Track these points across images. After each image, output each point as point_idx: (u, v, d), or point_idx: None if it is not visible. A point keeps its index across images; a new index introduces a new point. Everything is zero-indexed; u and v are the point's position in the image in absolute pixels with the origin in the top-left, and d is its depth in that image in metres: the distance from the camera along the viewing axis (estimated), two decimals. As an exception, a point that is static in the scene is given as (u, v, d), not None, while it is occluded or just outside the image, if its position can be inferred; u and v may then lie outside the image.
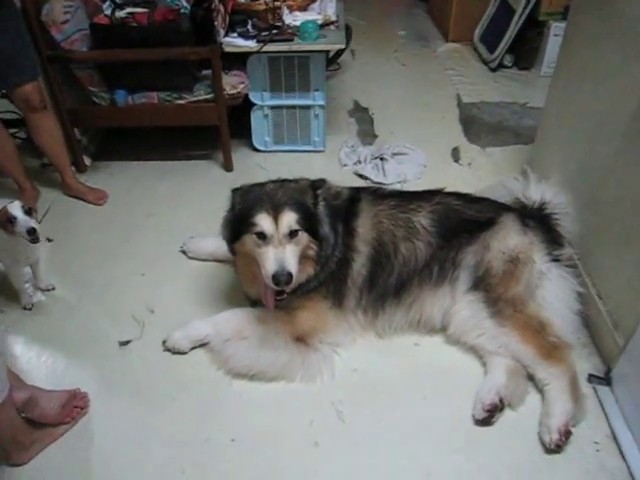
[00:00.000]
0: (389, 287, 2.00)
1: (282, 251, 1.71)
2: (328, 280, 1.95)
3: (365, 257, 1.98)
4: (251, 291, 2.07)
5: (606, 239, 1.95)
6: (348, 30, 3.61)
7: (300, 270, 1.80)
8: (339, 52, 3.72)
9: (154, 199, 2.81)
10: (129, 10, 2.56)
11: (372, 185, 2.28)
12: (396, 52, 4.24)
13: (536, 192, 2.16)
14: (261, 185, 1.89)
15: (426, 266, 1.99)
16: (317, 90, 2.89)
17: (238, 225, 1.81)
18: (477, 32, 4.21)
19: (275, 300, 1.82)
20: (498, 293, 1.89)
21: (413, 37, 4.52)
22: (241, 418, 1.79)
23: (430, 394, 1.84)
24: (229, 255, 2.01)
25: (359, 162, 2.97)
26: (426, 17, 4.93)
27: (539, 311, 1.86)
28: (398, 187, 2.78)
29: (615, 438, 1.69)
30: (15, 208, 1.91)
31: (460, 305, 1.96)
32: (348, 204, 2.02)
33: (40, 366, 1.99)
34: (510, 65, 3.95)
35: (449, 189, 2.18)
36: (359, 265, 1.98)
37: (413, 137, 3.17)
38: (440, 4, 4.60)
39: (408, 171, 2.89)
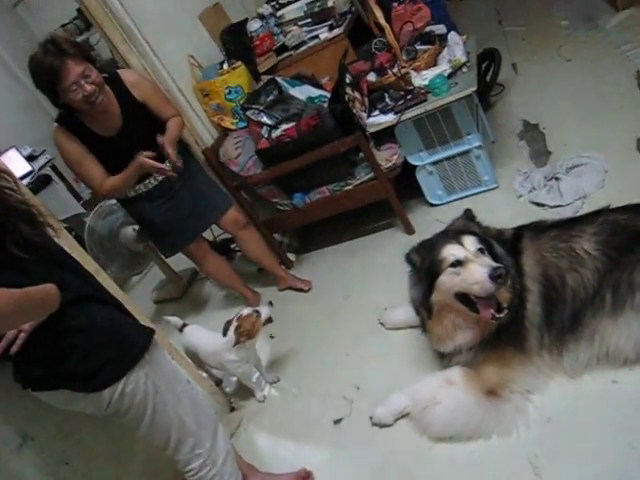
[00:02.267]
0: (565, 322, 1.92)
1: (482, 259, 1.82)
2: (507, 325, 1.93)
3: (536, 295, 1.94)
4: (446, 345, 2.11)
5: None
6: (493, 55, 3.55)
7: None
8: (494, 76, 3.65)
9: (350, 278, 3.10)
10: (282, 128, 2.94)
11: (533, 221, 2.21)
12: (560, 47, 3.94)
13: None
14: (428, 239, 2.06)
15: (597, 294, 1.87)
16: (469, 134, 2.91)
17: (427, 275, 1.96)
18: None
19: (494, 318, 1.85)
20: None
21: (578, 22, 4.13)
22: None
23: (638, 441, 1.69)
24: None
25: (533, 189, 2.86)
26: (590, -8, 4.48)
27: None
28: (579, 205, 2.62)
29: None
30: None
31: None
32: (511, 244, 2.02)
33: (271, 452, 2.36)
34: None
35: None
36: (532, 304, 1.94)
37: (589, 141, 2.92)
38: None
39: (587, 183, 2.69)
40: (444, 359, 2.16)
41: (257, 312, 2.45)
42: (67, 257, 1.59)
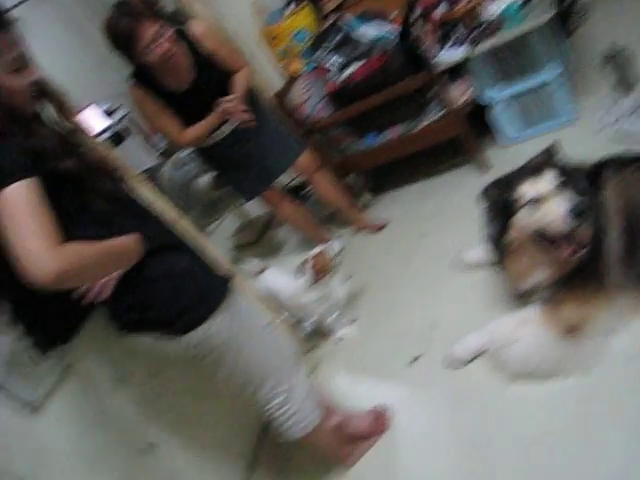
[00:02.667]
0: None
1: (562, 195, 1.77)
2: (587, 262, 1.86)
3: (618, 230, 1.85)
4: (523, 283, 2.09)
5: None
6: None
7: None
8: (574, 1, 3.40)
9: (425, 218, 3.08)
10: (350, 69, 2.89)
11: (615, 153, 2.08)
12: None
13: None
14: (505, 175, 2.01)
15: None
16: (550, 62, 2.75)
17: (504, 212, 1.93)
18: None
19: (574, 255, 1.81)
20: None
21: None
22: (518, 420, 1.89)
23: None
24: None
25: (618, 120, 2.69)
26: None
27: None
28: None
29: None
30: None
31: None
32: (591, 179, 1.93)
33: (348, 391, 2.43)
34: None
35: None
36: (614, 239, 1.85)
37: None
38: None
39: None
40: (522, 298, 2.12)
41: (328, 247, 2.52)
42: (146, 208, 1.64)
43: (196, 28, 2.59)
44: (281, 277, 2.72)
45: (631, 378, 1.77)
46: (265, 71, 3.12)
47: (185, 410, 2.12)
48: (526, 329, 1.98)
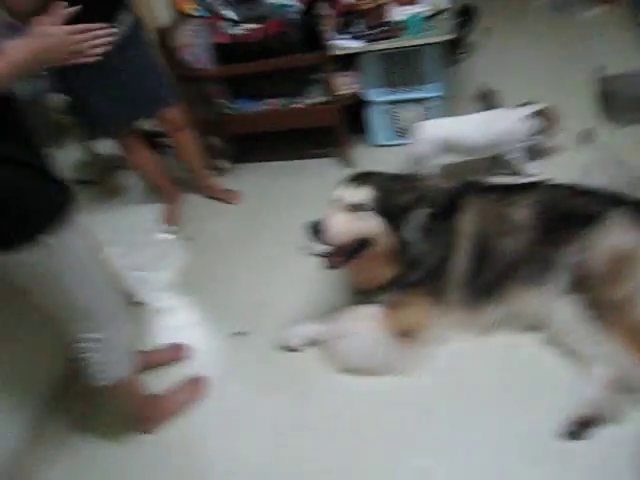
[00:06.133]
0: (489, 283, 1.97)
1: (338, 212, 1.89)
2: (428, 276, 1.97)
3: (464, 252, 1.97)
4: (355, 283, 2.17)
5: None
6: (469, 13, 3.50)
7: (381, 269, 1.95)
8: (466, 34, 3.60)
9: (281, 197, 3.04)
10: (246, 27, 2.76)
11: (478, 180, 2.24)
12: (534, 24, 3.97)
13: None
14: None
15: (525, 262, 1.92)
16: (433, 82, 2.87)
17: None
18: (629, -12, 3.77)
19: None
20: (601, 295, 1.77)
21: (557, 5, 4.15)
22: (336, 410, 1.93)
23: (523, 397, 1.79)
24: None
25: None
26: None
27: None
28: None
29: None
30: None
31: (559, 306, 1.86)
32: (450, 200, 2.02)
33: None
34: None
35: (577, 174, 2.10)
36: (460, 260, 1.97)
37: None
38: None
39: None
40: (362, 296, 2.15)
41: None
42: None
43: None
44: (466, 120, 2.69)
45: (446, 387, 1.90)
46: (155, 1, 2.86)
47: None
48: (363, 325, 2.02)
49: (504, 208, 1.98)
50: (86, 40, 1.38)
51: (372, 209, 1.87)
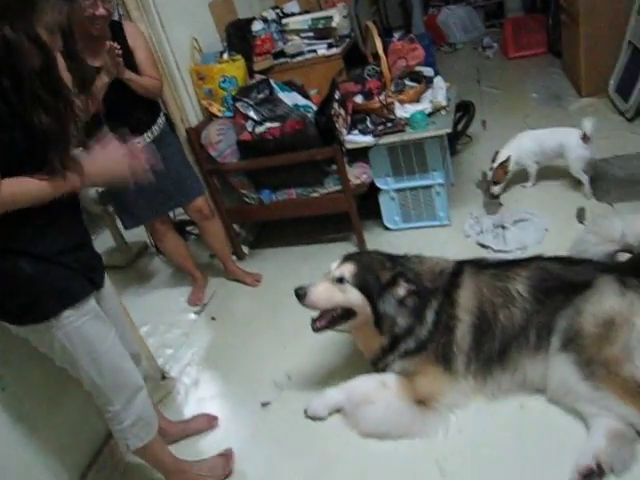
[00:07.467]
0: (493, 353, 2.14)
1: (323, 283, 2.17)
2: (436, 346, 2.15)
3: (467, 325, 2.15)
4: (366, 352, 2.33)
5: None
6: (468, 108, 3.85)
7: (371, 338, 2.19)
8: (465, 127, 3.95)
9: (298, 279, 3.18)
10: (266, 126, 3.10)
11: (476, 258, 2.45)
12: (527, 117, 4.33)
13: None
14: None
15: (523, 332, 2.09)
16: (435, 170, 3.16)
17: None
18: (612, 83, 4.14)
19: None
20: (590, 354, 1.93)
21: (546, 98, 4.57)
22: (361, 471, 2.05)
23: (533, 456, 1.91)
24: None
25: (481, 232, 3.13)
26: (561, 75, 4.95)
27: (636, 373, 1.85)
28: (519, 254, 2.88)
29: None
30: None
31: (552, 368, 2.02)
32: (451, 277, 2.23)
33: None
34: (648, 112, 3.83)
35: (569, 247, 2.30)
36: (462, 332, 2.15)
37: (538, 202, 3.26)
38: (570, 60, 4.62)
39: (530, 237, 2.98)
40: (378, 365, 2.32)
41: None
42: None
43: (128, 26, 2.67)
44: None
45: (459, 446, 2.03)
46: (186, 105, 3.23)
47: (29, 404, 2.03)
48: (382, 393, 2.17)
49: (502, 282, 2.16)
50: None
51: (350, 283, 2.12)
